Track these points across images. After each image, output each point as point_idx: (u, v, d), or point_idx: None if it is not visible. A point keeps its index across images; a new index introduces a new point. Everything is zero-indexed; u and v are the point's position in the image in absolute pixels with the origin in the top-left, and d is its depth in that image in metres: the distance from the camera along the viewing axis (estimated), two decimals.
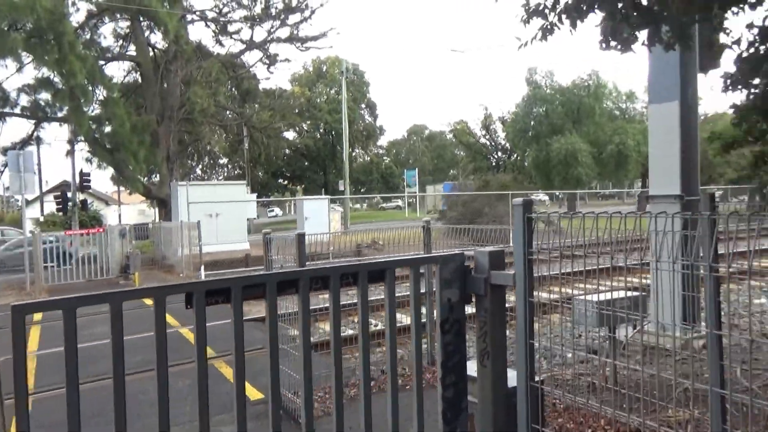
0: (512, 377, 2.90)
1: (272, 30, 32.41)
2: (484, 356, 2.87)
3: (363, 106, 63.30)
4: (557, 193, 42.01)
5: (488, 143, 61.29)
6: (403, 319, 7.81)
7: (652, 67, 7.39)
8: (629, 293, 4.81)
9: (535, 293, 3.18)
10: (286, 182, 63.29)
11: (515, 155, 53.94)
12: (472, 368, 2.98)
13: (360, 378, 2.53)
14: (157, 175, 30.35)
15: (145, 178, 30.82)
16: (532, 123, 42.72)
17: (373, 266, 2.65)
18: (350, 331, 7.35)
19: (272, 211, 66.62)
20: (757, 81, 3.84)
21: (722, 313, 3.08)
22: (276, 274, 2.34)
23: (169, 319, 2.18)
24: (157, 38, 29.27)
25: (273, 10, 31.88)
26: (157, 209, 32.65)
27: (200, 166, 52.03)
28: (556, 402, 4.51)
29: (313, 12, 32.22)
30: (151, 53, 28.98)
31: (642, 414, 4.12)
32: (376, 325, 7.57)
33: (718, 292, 3.14)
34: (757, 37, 3.87)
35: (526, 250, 2.71)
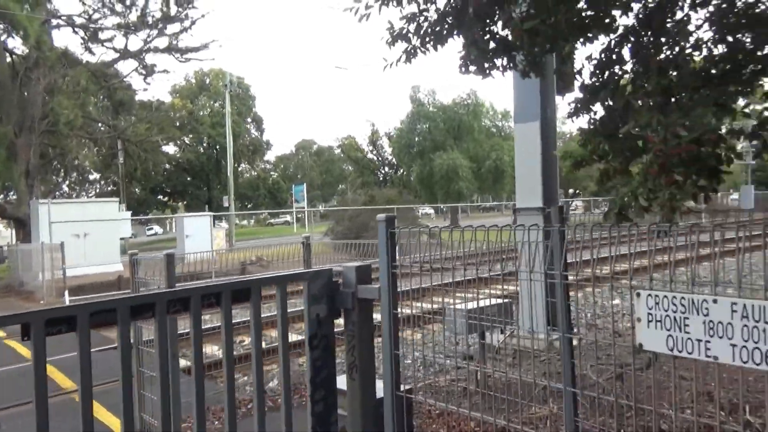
0: (381, 388, 2.97)
1: (149, 39, 30.86)
2: (352, 369, 2.92)
3: (249, 120, 61.90)
4: (441, 207, 43.75)
5: (375, 158, 62.54)
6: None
7: (516, 89, 8.00)
8: (497, 301, 5.12)
9: (408, 304, 3.30)
10: (166, 198, 60.01)
11: (401, 170, 55.49)
12: (342, 382, 3.02)
13: (225, 405, 2.47)
14: (14, 193, 27.53)
15: (0, 196, 27.82)
16: (416, 139, 44.23)
17: (237, 285, 2.60)
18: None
19: (151, 229, 62.78)
20: (596, 107, 4.30)
21: (574, 316, 3.38)
22: (128, 299, 2.22)
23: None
24: (15, 43, 26.72)
25: (150, 19, 30.38)
26: (14, 230, 29.56)
27: (67, 182, 47.88)
28: (431, 409, 4.66)
29: (193, 22, 31.13)
30: (9, 59, 26.37)
31: (508, 414, 4.39)
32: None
33: (568, 296, 3.43)
34: (595, 69, 4.34)
35: (389, 264, 2.80)
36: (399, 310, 2.83)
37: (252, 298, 2.59)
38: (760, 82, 4.90)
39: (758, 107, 5.19)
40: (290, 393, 2.76)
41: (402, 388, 2.87)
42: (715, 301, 1.73)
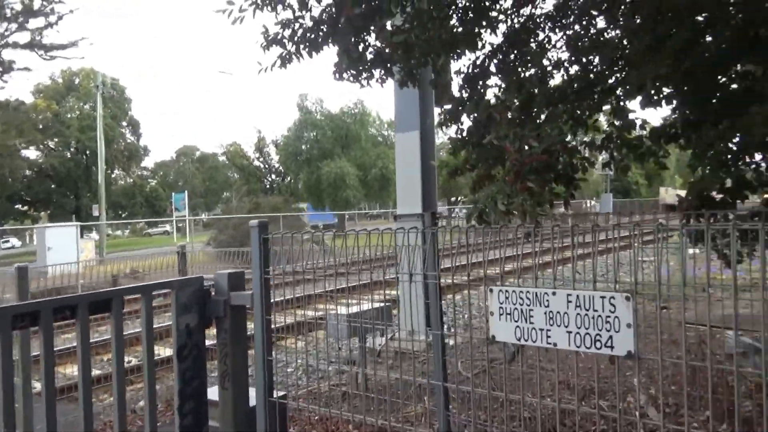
0: (254, 396, 2.93)
1: (7, 33, 27.97)
2: (225, 378, 2.86)
3: (124, 124, 57.98)
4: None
5: (262, 166, 61.27)
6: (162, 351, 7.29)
7: (397, 99, 8.27)
8: (377, 305, 5.24)
9: (290, 312, 3.28)
10: (26, 208, 54.41)
11: (288, 178, 54.86)
12: (213, 393, 2.94)
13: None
14: None
15: None
16: (303, 147, 44.04)
17: (96, 296, 2.45)
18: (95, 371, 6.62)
19: (7, 241, 56.48)
20: (464, 118, 4.58)
21: (452, 318, 3.56)
22: None
23: None
24: None
25: (8, 11, 27.55)
26: None
27: None
28: (311, 416, 4.66)
29: (60, 17, 28.66)
30: None
31: (387, 413, 4.50)
32: (129, 362, 6.95)
33: (440, 297, 3.60)
34: (464, 82, 4.63)
35: (262, 271, 2.78)
36: (273, 316, 2.82)
37: (113, 310, 2.45)
38: (609, 100, 5.45)
39: (604, 123, 5.80)
40: (155, 411, 2.63)
41: (276, 394, 2.85)
42: (554, 294, 1.92)
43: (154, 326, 2.67)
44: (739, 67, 4.63)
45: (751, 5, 3.89)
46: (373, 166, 42.74)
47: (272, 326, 2.86)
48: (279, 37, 4.17)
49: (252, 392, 2.93)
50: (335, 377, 6.10)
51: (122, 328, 2.48)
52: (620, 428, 4.01)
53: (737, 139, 3.66)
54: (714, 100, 4.58)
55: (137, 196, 62.72)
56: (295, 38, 4.10)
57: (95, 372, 6.88)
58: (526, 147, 3.32)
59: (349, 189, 40.16)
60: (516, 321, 1.99)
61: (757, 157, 3.95)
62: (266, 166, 61.20)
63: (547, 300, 1.92)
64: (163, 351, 7.16)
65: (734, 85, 4.90)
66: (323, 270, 3.31)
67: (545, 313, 1.93)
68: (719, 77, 4.77)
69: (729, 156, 3.68)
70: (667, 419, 3.70)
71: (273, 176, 60.83)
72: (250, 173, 60.73)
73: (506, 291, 2.02)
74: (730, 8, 4.35)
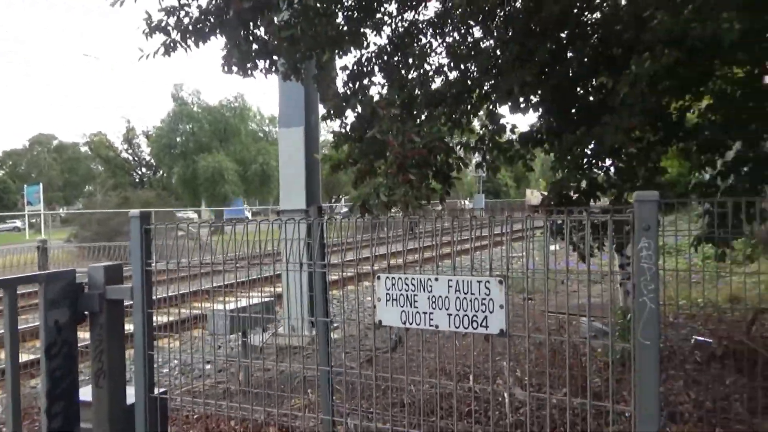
0: (132, 394, 2.80)
1: None
2: (100, 376, 2.71)
3: None
4: (203, 210, 42.09)
5: (131, 158, 57.28)
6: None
7: (282, 94, 8.20)
8: (260, 300, 5.18)
9: (165, 311, 3.15)
10: None
11: (161, 171, 51.82)
12: (85, 394, 2.77)
13: None
14: None
15: None
16: (178, 139, 41.83)
17: None
18: None
19: None
20: (348, 113, 4.70)
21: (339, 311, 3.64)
22: None
23: None
24: None
25: None
26: None
27: None
28: (189, 414, 4.51)
29: None
30: None
31: (276, 405, 4.49)
32: None
33: (326, 287, 3.68)
34: (348, 79, 4.74)
35: (144, 262, 2.67)
36: (155, 309, 2.72)
37: None
38: (484, 105, 5.83)
39: (478, 127, 6.20)
40: (20, 417, 2.44)
41: (156, 391, 2.75)
42: (436, 279, 2.06)
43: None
44: (594, 81, 5.20)
45: (606, 28, 4.39)
46: (254, 162, 41.66)
47: (153, 322, 2.75)
48: (163, 24, 4.00)
49: (129, 391, 2.80)
50: (215, 375, 5.93)
51: None
52: (492, 407, 4.34)
53: (592, 145, 4.11)
54: (573, 110, 5.10)
55: None
56: (181, 27, 3.95)
57: None
58: (408, 141, 3.50)
59: (228, 184, 38.82)
60: (402, 306, 2.12)
61: (608, 162, 4.47)
62: (135, 158, 57.30)
63: (430, 285, 2.07)
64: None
65: (591, 98, 5.50)
66: (210, 265, 3.23)
67: (428, 298, 2.07)
68: (579, 90, 5.31)
69: (584, 160, 4.13)
70: (531, 396, 4.07)
71: (143, 169, 57.10)
72: (117, 166, 56.52)
73: (393, 278, 2.14)
74: (588, 29, 4.88)
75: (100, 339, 2.71)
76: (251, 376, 5.35)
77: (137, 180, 54.50)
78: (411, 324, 2.12)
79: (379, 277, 2.17)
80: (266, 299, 5.46)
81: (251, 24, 3.99)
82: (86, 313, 2.71)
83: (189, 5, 4.02)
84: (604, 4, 4.48)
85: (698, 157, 4.40)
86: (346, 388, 4.67)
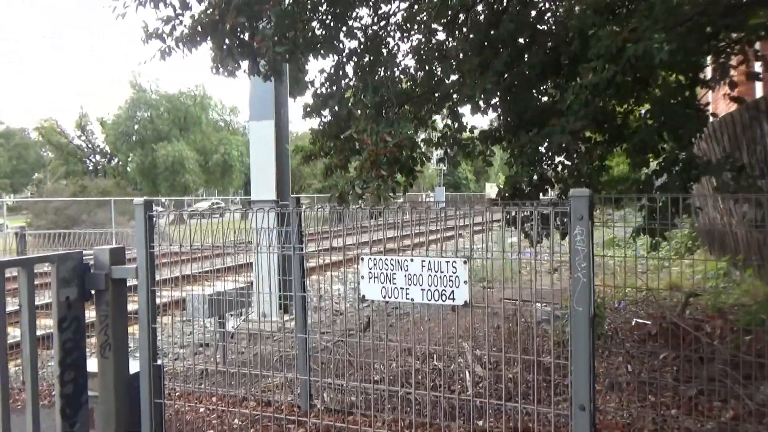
0: (133, 365, 3.11)
1: None
2: (105, 348, 3.00)
3: None
4: (163, 200, 41.47)
5: (84, 145, 55.61)
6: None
7: (253, 89, 8.44)
8: (236, 286, 5.48)
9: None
10: None
11: (117, 159, 50.59)
12: (92, 365, 3.06)
13: None
14: None
15: None
16: (136, 127, 40.98)
17: None
18: None
19: None
20: (325, 112, 5.05)
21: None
22: None
23: None
24: None
25: None
26: None
27: None
28: (171, 393, 4.79)
29: None
30: None
31: (249, 385, 4.82)
32: None
33: (303, 265, 4.05)
34: (326, 80, 5.10)
35: (148, 245, 2.97)
36: (159, 288, 3.03)
37: None
38: (448, 104, 6.26)
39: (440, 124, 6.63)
40: (38, 386, 2.71)
41: (158, 361, 3.07)
42: (412, 260, 2.46)
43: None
44: (545, 86, 5.69)
45: (555, 39, 4.87)
46: (215, 152, 41.25)
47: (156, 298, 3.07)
48: (159, 32, 4.32)
49: (131, 362, 3.10)
50: (192, 358, 6.20)
51: (4, 299, 2.54)
52: (454, 383, 4.78)
53: (545, 144, 4.58)
54: (527, 111, 5.58)
55: None
56: (174, 34, 4.27)
57: None
58: (381, 141, 3.88)
59: (189, 174, 38.35)
60: (382, 282, 2.51)
61: (557, 159, 4.96)
62: (89, 145, 55.64)
63: (407, 265, 2.46)
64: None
65: (544, 99, 6.00)
66: (200, 250, 3.54)
67: (405, 276, 2.46)
68: (533, 92, 5.80)
69: (536, 157, 4.60)
70: (488, 372, 4.54)
71: (97, 157, 55.51)
72: (69, 153, 54.74)
73: (374, 258, 2.52)
74: (539, 38, 5.35)
75: (105, 314, 3.00)
76: (226, 358, 5.65)
77: (91, 168, 52.99)
78: (390, 298, 2.51)
79: (362, 258, 2.55)
80: (243, 286, 5.77)
81: (241, 33, 4.31)
82: (92, 291, 3.00)
83: (183, 14, 4.33)
84: (553, 18, 4.95)
85: (635, 157, 4.94)
86: (321, 368, 5.04)
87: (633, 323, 6.22)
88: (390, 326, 6.92)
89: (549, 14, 5.84)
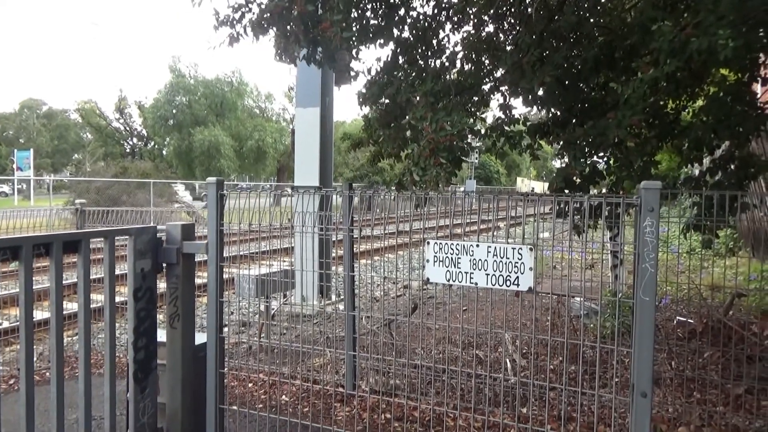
0: (198, 337, 3.26)
1: None
2: (174, 319, 3.16)
3: None
4: (196, 184, 42.37)
5: (123, 128, 56.92)
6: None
7: (300, 77, 8.57)
8: (282, 269, 5.63)
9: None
10: None
11: (153, 143, 51.67)
12: (161, 335, 3.22)
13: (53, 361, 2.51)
14: None
15: None
16: (174, 111, 41.74)
17: (69, 237, 2.65)
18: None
19: None
20: (381, 100, 5.14)
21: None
22: None
23: None
24: None
25: None
26: None
27: None
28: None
29: None
30: None
31: (293, 365, 4.97)
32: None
33: (352, 246, 4.16)
34: (383, 69, 5.19)
35: (218, 222, 3.11)
36: (227, 263, 3.17)
37: (82, 250, 2.67)
38: (497, 96, 6.27)
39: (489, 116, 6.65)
40: (115, 349, 2.87)
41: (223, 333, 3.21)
42: (477, 246, 2.53)
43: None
44: (597, 80, 5.66)
45: (611, 32, 4.84)
46: (250, 138, 41.77)
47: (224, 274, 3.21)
48: (230, 19, 4.49)
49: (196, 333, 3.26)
50: (237, 335, 6.39)
51: (89, 267, 2.70)
52: (496, 370, 4.83)
53: (599, 137, 4.58)
54: (579, 105, 5.57)
55: None
56: (243, 21, 4.45)
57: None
58: (440, 129, 3.95)
59: (224, 159, 38.96)
60: (447, 266, 2.58)
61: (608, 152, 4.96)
62: (127, 128, 56.93)
63: (472, 251, 2.53)
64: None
65: (593, 93, 5.96)
66: (257, 231, 3.67)
67: (470, 261, 2.54)
68: (582, 86, 5.77)
69: (588, 150, 4.60)
70: (527, 361, 4.59)
71: (134, 140, 56.77)
72: (108, 135, 56.12)
73: (440, 243, 2.60)
74: (595, 32, 5.33)
75: (175, 287, 3.15)
76: (270, 338, 5.81)
77: (128, 150, 54.24)
78: (454, 281, 2.59)
79: (428, 242, 2.63)
80: (287, 269, 5.92)
81: (310, 21, 4.44)
82: (163, 264, 3.15)
83: (252, 2, 4.50)
84: (614, 12, 4.91)
85: (689, 154, 4.89)
86: (369, 349, 5.17)
87: (675, 321, 6.18)
88: (427, 314, 7.01)
89: (599, 8, 5.79)
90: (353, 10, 4.57)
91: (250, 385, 4.86)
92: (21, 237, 2.40)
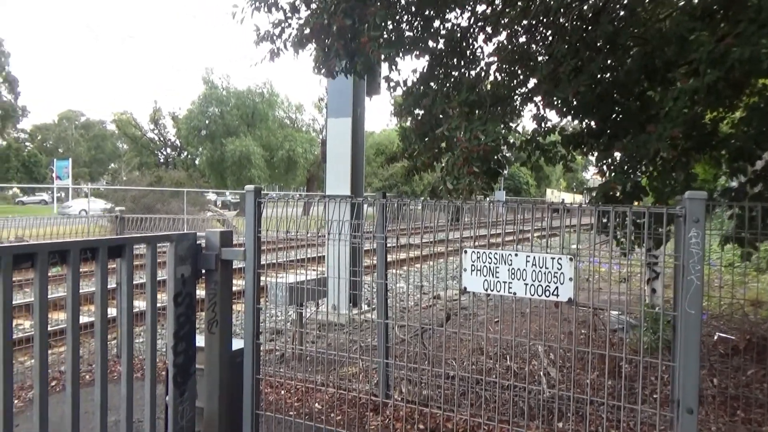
0: (235, 343, 3.30)
1: None
2: (212, 324, 3.21)
3: None
4: (227, 194, 42.86)
5: (157, 138, 58.25)
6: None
7: (331, 87, 8.66)
8: (314, 277, 5.67)
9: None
10: None
11: (186, 153, 52.72)
12: (199, 340, 3.27)
13: (97, 363, 2.57)
14: None
15: None
16: (206, 122, 42.57)
17: (114, 242, 2.72)
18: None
19: None
20: (417, 111, 5.17)
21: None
22: (11, 247, 2.24)
23: None
24: None
25: None
26: None
27: None
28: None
29: None
30: None
31: (326, 373, 4.99)
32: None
33: (385, 253, 4.16)
34: (419, 80, 5.22)
35: (256, 229, 3.16)
36: (265, 269, 3.21)
37: (125, 255, 2.73)
38: (530, 107, 6.24)
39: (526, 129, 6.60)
40: (156, 353, 2.92)
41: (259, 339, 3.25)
42: (516, 255, 2.51)
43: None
44: (635, 90, 5.58)
45: (649, 43, 4.78)
46: (280, 148, 42.29)
47: (260, 281, 3.25)
48: (270, 34, 4.61)
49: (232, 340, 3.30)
50: (271, 343, 6.45)
51: (133, 272, 2.76)
52: (531, 383, 4.76)
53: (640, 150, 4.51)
54: (614, 116, 5.49)
55: (12, 160, 57.42)
56: (283, 37, 4.56)
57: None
58: (474, 138, 3.95)
59: (255, 168, 39.50)
60: (485, 276, 2.57)
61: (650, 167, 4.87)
62: (161, 138, 58.23)
63: (511, 260, 2.52)
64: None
65: (629, 104, 5.88)
66: (295, 239, 3.71)
67: (508, 270, 2.52)
68: (617, 96, 5.71)
69: (632, 164, 4.54)
70: (563, 375, 4.51)
71: (168, 150, 58.00)
72: (143, 145, 57.47)
73: (478, 252, 2.59)
74: (632, 43, 5.26)
75: (214, 293, 3.20)
76: (303, 346, 5.85)
77: (162, 160, 55.44)
78: (492, 291, 2.57)
79: (466, 251, 2.62)
80: (320, 277, 5.95)
81: (348, 36, 4.53)
82: (202, 271, 3.21)
83: (292, 18, 4.62)
84: (649, 22, 4.86)
85: (729, 165, 4.78)
86: (404, 359, 5.15)
87: (715, 337, 6.01)
88: (459, 325, 6.96)
89: (635, 18, 5.72)
90: (389, 21, 4.62)
91: (282, 392, 4.89)
92: (69, 241, 2.47)
